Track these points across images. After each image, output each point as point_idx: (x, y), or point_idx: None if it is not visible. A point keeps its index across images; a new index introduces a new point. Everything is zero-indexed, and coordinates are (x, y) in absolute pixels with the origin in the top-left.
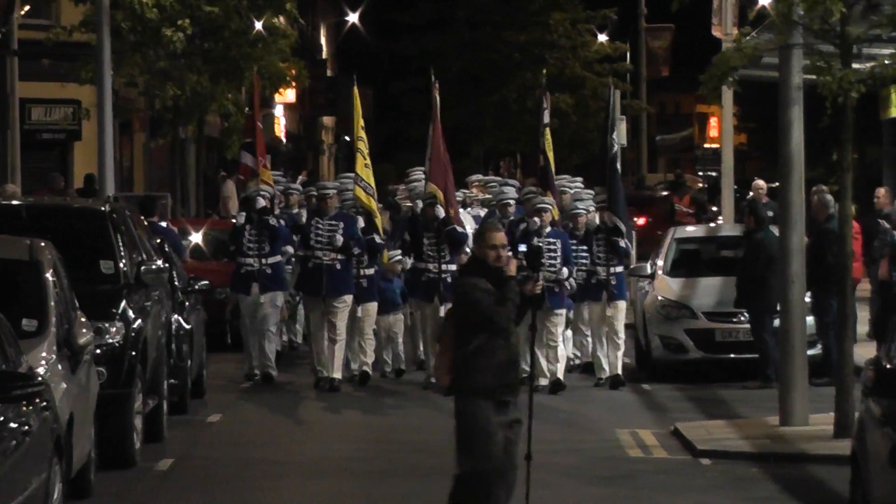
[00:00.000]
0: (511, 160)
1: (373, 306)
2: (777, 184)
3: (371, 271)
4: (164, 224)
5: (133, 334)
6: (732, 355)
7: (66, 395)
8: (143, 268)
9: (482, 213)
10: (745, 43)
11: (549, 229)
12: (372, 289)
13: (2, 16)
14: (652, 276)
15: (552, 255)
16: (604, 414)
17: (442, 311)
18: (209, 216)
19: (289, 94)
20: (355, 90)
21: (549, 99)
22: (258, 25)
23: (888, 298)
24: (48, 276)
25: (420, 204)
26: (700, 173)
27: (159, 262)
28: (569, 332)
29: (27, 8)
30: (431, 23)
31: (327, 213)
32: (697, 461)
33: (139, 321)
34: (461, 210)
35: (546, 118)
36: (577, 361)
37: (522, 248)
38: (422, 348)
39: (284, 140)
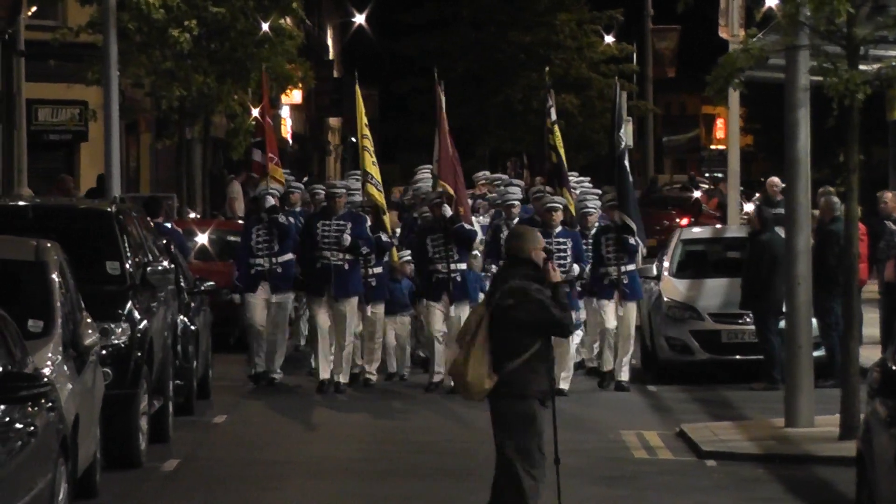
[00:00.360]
0: (517, 160)
1: (381, 307)
2: (784, 185)
3: (379, 270)
4: (168, 225)
5: (139, 335)
6: (738, 356)
7: (71, 395)
8: (149, 269)
9: (487, 219)
10: (752, 44)
11: (559, 228)
12: (381, 288)
13: (8, 16)
14: (658, 278)
15: (563, 253)
16: (609, 415)
17: (452, 311)
18: (215, 217)
19: (295, 95)
20: (357, 89)
21: (553, 97)
22: (264, 26)
23: (894, 300)
24: (54, 276)
25: (426, 210)
26: (706, 174)
27: (165, 263)
28: (579, 332)
29: (34, 9)
30: (436, 23)
31: (336, 212)
32: (703, 462)
33: (145, 322)
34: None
35: (553, 116)
36: (579, 359)
37: None
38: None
39: (290, 141)
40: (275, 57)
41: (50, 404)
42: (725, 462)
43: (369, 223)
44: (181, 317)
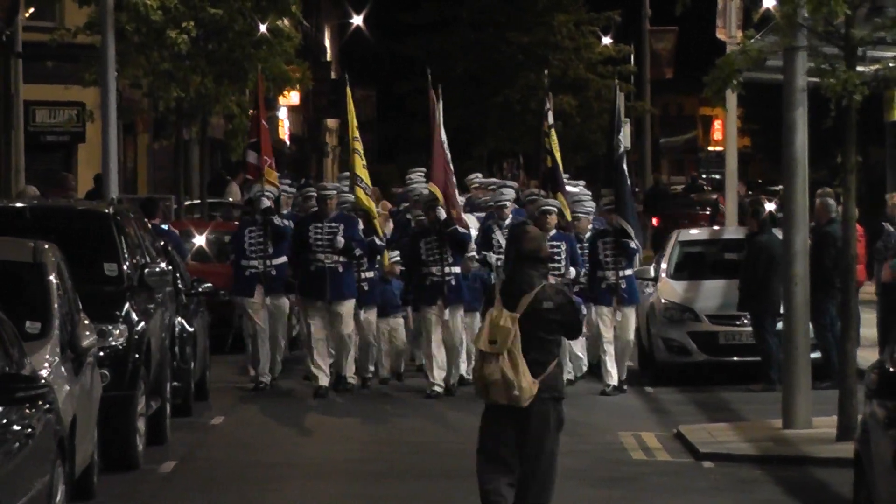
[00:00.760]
0: (514, 161)
1: (373, 311)
2: (780, 186)
3: (371, 274)
4: (165, 227)
5: (136, 336)
6: (735, 358)
7: (69, 397)
8: (146, 270)
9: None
10: (750, 45)
11: (553, 231)
12: (373, 292)
13: (6, 17)
14: (655, 279)
15: (557, 257)
16: (607, 416)
17: (447, 315)
18: (213, 218)
19: (293, 97)
20: (348, 91)
21: (551, 100)
22: (262, 27)
23: (891, 301)
24: (52, 278)
25: (419, 213)
26: (704, 176)
27: (163, 265)
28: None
29: (31, 10)
30: (435, 24)
31: (327, 215)
32: (700, 464)
33: (142, 323)
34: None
35: (550, 119)
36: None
37: None
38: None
39: (288, 142)
40: (272, 58)
41: (47, 406)
42: (723, 463)
43: (361, 226)
44: (179, 318)
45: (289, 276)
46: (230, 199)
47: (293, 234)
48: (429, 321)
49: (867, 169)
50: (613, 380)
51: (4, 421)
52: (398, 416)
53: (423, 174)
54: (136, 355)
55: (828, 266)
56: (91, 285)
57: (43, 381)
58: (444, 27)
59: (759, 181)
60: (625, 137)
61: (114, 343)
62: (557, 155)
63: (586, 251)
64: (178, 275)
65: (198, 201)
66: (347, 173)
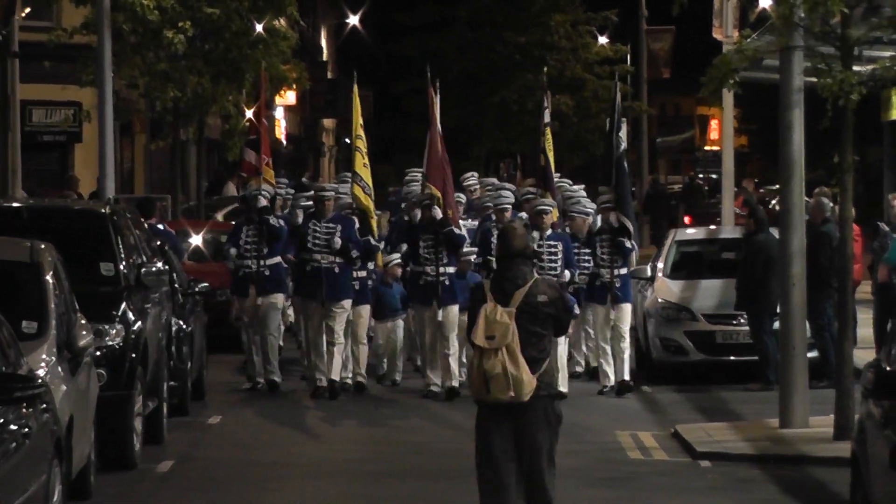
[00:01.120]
0: (511, 161)
1: (365, 309)
2: (777, 186)
3: (363, 273)
4: (161, 227)
5: (133, 336)
6: (732, 357)
7: (66, 396)
8: (143, 270)
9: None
10: (746, 45)
11: (549, 231)
12: (364, 291)
13: (2, 17)
14: (652, 279)
15: (553, 258)
16: (604, 416)
17: (440, 316)
18: (209, 218)
19: (289, 96)
20: (355, 89)
21: (549, 99)
22: (259, 27)
23: (887, 301)
24: (48, 277)
25: (418, 214)
26: (700, 175)
27: (159, 265)
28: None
29: (28, 10)
30: (432, 24)
31: (325, 215)
32: (697, 463)
33: (139, 323)
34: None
35: (547, 118)
36: (580, 369)
37: None
38: (423, 355)
39: (285, 142)
40: (269, 58)
41: (44, 406)
42: (720, 463)
43: (357, 226)
44: (175, 318)
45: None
46: (226, 197)
47: (298, 233)
48: (423, 322)
49: (864, 169)
50: (610, 380)
51: (1, 421)
52: (396, 416)
53: (417, 174)
54: (133, 355)
55: (823, 265)
56: (88, 285)
57: (40, 380)
58: (441, 27)
59: (756, 181)
60: (623, 136)
61: (110, 343)
62: (551, 155)
63: (583, 252)
64: (174, 274)
65: (194, 202)
66: (348, 173)
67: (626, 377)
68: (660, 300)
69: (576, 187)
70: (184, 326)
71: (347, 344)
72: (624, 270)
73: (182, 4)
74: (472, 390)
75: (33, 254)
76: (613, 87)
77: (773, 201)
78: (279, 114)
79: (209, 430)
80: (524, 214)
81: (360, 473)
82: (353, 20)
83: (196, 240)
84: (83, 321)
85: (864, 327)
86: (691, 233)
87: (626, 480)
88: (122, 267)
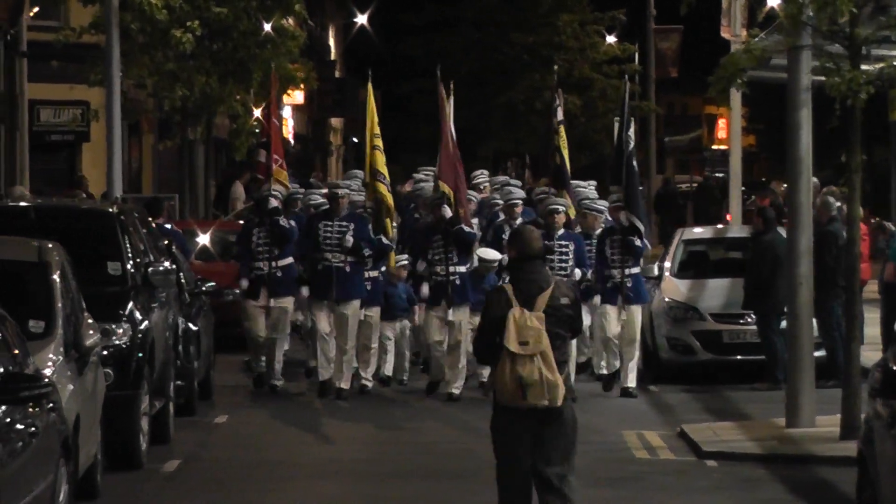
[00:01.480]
0: (518, 161)
1: (377, 311)
2: (785, 185)
3: (375, 273)
4: (168, 226)
5: (140, 336)
6: (739, 357)
7: (72, 396)
8: (150, 269)
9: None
10: (754, 44)
11: (561, 231)
12: (377, 292)
13: (11, 17)
14: (659, 278)
15: (564, 257)
16: (610, 415)
17: (451, 315)
18: (217, 217)
19: (297, 96)
20: (370, 87)
21: (561, 97)
22: (267, 27)
23: (893, 300)
24: (56, 277)
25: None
26: (716, 174)
27: (167, 264)
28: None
29: (36, 9)
30: (439, 24)
31: (338, 213)
32: (703, 463)
33: (146, 323)
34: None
35: (559, 116)
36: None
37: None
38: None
39: (293, 141)
40: (277, 57)
41: (51, 405)
42: (726, 462)
43: (370, 225)
44: (182, 317)
45: (300, 271)
46: (234, 198)
47: (303, 232)
48: (432, 324)
49: (872, 168)
50: (613, 368)
51: (8, 420)
52: (402, 417)
53: (429, 173)
54: (140, 354)
55: (829, 265)
56: (95, 285)
57: (46, 380)
58: (448, 28)
59: (763, 180)
60: (632, 135)
61: (117, 342)
62: (565, 153)
63: (594, 249)
64: (181, 274)
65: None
66: (356, 171)
67: (631, 384)
68: (667, 299)
69: (584, 184)
70: (191, 326)
71: (357, 345)
72: (636, 270)
73: (190, 4)
74: (505, 397)
75: (41, 253)
76: (623, 86)
77: None
78: (287, 113)
79: (216, 429)
80: (529, 209)
81: (367, 474)
82: (362, 19)
83: (204, 239)
84: (90, 321)
85: (872, 326)
86: (698, 232)
87: (632, 480)
88: (129, 266)
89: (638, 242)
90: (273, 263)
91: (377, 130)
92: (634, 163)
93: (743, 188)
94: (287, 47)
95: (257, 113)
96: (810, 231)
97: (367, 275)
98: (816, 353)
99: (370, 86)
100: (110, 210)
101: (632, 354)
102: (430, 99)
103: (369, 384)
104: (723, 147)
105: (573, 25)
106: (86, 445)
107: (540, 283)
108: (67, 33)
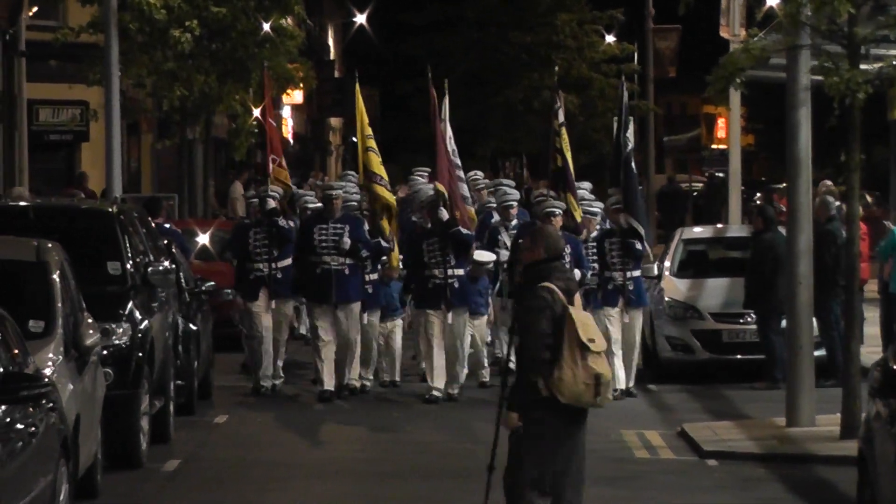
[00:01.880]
0: (517, 161)
1: (375, 314)
2: (784, 185)
3: (375, 276)
4: (167, 226)
5: (140, 335)
6: (739, 356)
7: (72, 396)
8: (150, 269)
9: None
10: (753, 44)
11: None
12: (377, 296)
13: (9, 17)
14: (659, 277)
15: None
16: (610, 415)
17: (450, 319)
18: (216, 217)
19: (296, 96)
20: (357, 88)
21: (561, 98)
22: (266, 26)
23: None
24: (55, 276)
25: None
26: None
27: (166, 264)
28: None
29: (35, 9)
30: (438, 24)
31: (333, 215)
32: (704, 462)
33: (146, 322)
34: None
35: (560, 117)
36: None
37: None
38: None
39: (292, 141)
40: (276, 57)
41: (51, 405)
42: (726, 461)
43: (367, 227)
44: (182, 317)
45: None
46: (233, 197)
47: (298, 235)
48: (431, 325)
49: (871, 167)
50: (621, 383)
51: (8, 420)
52: (402, 417)
53: (425, 174)
54: (140, 354)
55: (829, 264)
56: (94, 284)
57: (46, 380)
58: (447, 27)
59: (763, 179)
60: (630, 136)
61: (117, 342)
62: (568, 154)
63: (592, 252)
64: (181, 274)
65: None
66: (350, 172)
67: (630, 383)
68: (666, 299)
69: (583, 184)
70: (190, 326)
71: (357, 348)
72: (637, 273)
73: (189, 3)
74: (573, 395)
75: (40, 253)
76: (620, 85)
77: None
78: (286, 113)
79: (216, 429)
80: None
81: (366, 473)
82: (360, 19)
83: (203, 239)
84: (90, 320)
85: (872, 326)
86: (698, 231)
87: (632, 479)
88: (128, 266)
89: (639, 246)
90: (273, 265)
91: (369, 131)
92: (633, 164)
93: (742, 187)
94: (286, 47)
95: (256, 112)
96: (810, 230)
97: (367, 278)
98: (816, 353)
99: (357, 86)
100: (110, 210)
101: (632, 357)
102: (429, 98)
103: (369, 384)
104: (722, 146)
105: (572, 25)
106: (85, 445)
107: (573, 282)
108: (66, 33)
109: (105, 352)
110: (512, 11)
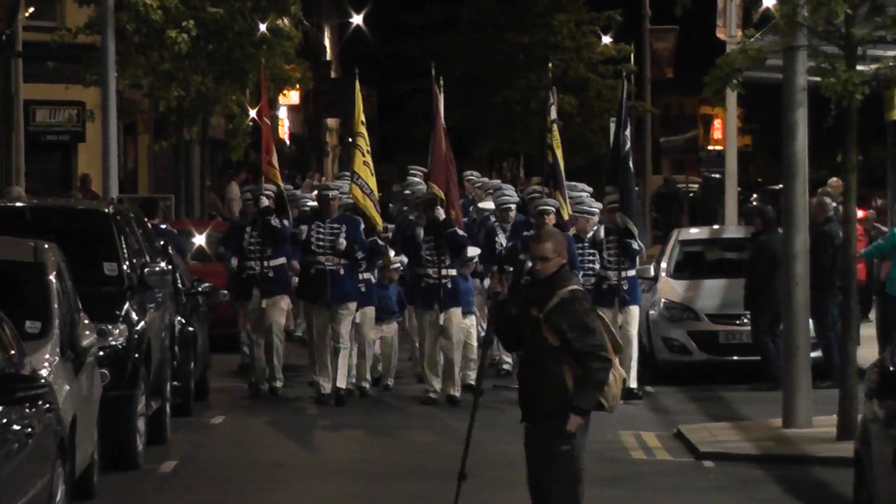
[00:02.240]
0: (514, 161)
1: (371, 311)
2: (780, 186)
3: (369, 275)
4: (164, 226)
5: (136, 336)
6: (735, 357)
7: (69, 396)
8: (146, 270)
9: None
10: (750, 45)
11: None
12: (371, 293)
13: (6, 17)
14: (655, 279)
15: None
16: (606, 416)
17: (442, 319)
18: (213, 217)
19: (293, 96)
20: (357, 85)
21: (555, 95)
22: (262, 27)
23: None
24: (52, 277)
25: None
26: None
27: (163, 264)
28: None
29: (31, 9)
30: (435, 24)
31: (330, 215)
32: (700, 463)
33: (142, 323)
34: None
35: (553, 114)
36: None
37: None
38: (424, 360)
39: (288, 142)
40: (272, 58)
41: (47, 406)
42: (723, 463)
43: (363, 226)
44: (178, 318)
45: (292, 275)
46: (230, 198)
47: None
48: (424, 326)
49: (868, 168)
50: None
51: (4, 421)
52: (399, 418)
53: (420, 172)
54: (136, 355)
55: (826, 265)
56: (91, 285)
57: (43, 380)
58: (445, 28)
59: (760, 181)
60: (628, 136)
61: (114, 343)
62: (559, 151)
63: (587, 252)
64: (177, 274)
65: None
66: (347, 173)
67: (633, 384)
68: (663, 300)
69: (580, 185)
70: (187, 326)
71: (353, 348)
72: (632, 272)
73: (185, 4)
74: (614, 398)
75: (37, 254)
76: (620, 86)
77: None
78: (282, 113)
79: (212, 430)
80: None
81: (363, 474)
82: (357, 20)
83: (200, 239)
84: (86, 321)
85: (868, 326)
86: (694, 232)
87: (629, 480)
88: (125, 267)
89: (635, 245)
90: (265, 263)
91: (362, 130)
92: (630, 164)
93: (739, 188)
94: (282, 48)
95: (253, 113)
96: (806, 231)
97: (361, 276)
98: (813, 354)
99: (357, 83)
100: (106, 210)
101: (630, 356)
102: (427, 98)
103: (367, 384)
104: (718, 147)
105: (569, 25)
106: (82, 446)
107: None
108: (63, 34)
109: (101, 352)
110: (509, 12)
